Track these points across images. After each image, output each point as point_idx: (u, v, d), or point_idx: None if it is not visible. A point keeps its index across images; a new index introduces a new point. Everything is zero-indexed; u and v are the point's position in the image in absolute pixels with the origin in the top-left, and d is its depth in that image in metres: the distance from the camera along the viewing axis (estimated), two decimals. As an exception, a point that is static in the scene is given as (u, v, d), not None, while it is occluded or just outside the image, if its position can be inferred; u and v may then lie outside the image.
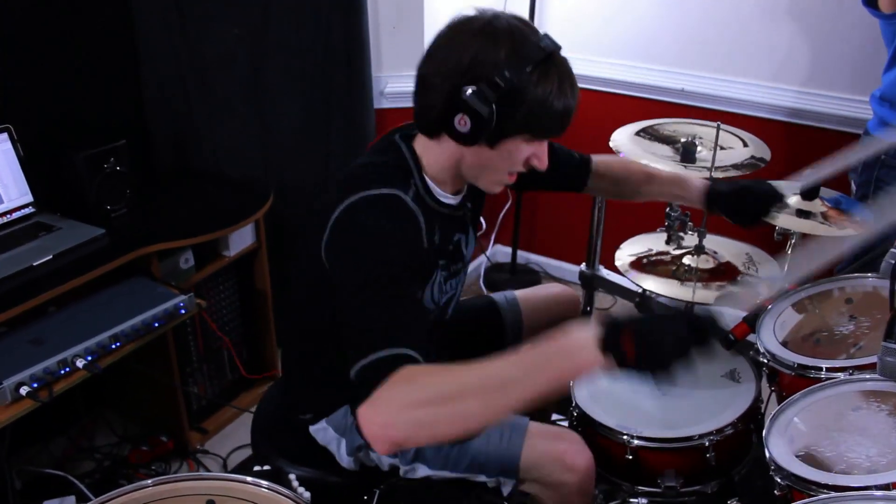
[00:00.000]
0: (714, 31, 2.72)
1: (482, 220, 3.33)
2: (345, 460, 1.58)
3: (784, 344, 1.61)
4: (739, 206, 1.65)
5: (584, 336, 1.05)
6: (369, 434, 1.08)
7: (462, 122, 1.25)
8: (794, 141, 2.65)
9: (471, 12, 1.30)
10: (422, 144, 1.40)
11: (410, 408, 1.06)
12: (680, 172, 1.81)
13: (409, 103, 1.37)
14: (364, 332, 1.17)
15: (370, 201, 1.29)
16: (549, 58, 1.25)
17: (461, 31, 1.27)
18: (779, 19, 2.58)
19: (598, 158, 1.75)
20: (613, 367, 1.04)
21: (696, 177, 1.71)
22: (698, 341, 1.07)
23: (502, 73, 1.22)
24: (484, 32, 1.25)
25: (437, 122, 1.31)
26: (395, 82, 2.76)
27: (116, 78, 2.39)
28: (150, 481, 1.29)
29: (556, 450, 1.49)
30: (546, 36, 1.27)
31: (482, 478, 1.53)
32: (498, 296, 1.87)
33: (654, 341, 1.04)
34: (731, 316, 1.35)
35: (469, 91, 1.23)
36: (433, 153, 1.38)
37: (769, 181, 1.67)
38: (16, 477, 2.17)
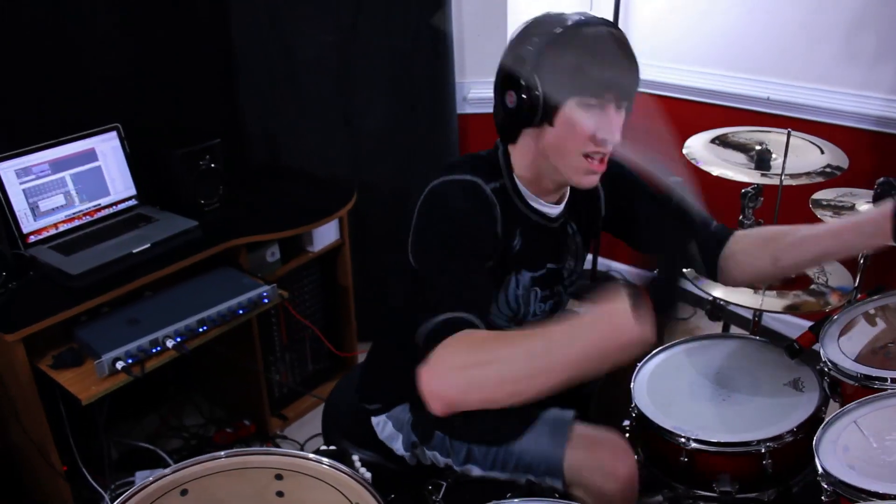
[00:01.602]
0: (798, 39, 2.67)
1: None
2: (402, 454, 1.65)
3: (855, 357, 1.58)
4: None
5: (619, 303, 1.04)
6: (426, 392, 1.14)
7: (511, 99, 1.34)
8: (880, 151, 2.57)
9: None
10: (513, 149, 1.46)
11: (463, 369, 1.12)
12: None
13: (492, 109, 1.46)
14: (430, 297, 1.25)
15: (450, 184, 1.38)
16: (576, 25, 1.31)
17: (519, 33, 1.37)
18: (865, 25, 2.51)
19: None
20: (645, 330, 1.03)
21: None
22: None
23: (532, 41, 1.30)
24: (520, 30, 1.35)
25: (503, 119, 1.40)
26: (478, 88, 2.83)
27: (214, 81, 2.56)
28: (223, 453, 1.39)
29: (597, 456, 1.50)
30: (578, 13, 1.34)
31: (530, 478, 1.56)
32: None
33: (666, 300, 1.07)
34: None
35: (512, 65, 1.33)
36: (518, 154, 1.44)
37: None
38: (113, 448, 2.35)
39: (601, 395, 2.01)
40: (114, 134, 2.27)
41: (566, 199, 1.52)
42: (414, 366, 1.50)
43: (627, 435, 1.68)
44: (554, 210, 1.50)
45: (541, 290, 1.54)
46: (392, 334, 1.65)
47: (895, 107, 2.49)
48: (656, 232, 1.49)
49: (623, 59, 1.34)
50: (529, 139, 1.40)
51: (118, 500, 1.22)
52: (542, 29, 1.32)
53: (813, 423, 1.58)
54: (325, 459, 1.37)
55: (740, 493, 1.56)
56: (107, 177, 2.26)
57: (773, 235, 1.52)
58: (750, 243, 1.54)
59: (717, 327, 2.40)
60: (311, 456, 1.38)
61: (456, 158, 1.49)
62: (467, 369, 1.12)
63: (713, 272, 1.57)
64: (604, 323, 1.06)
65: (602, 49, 1.31)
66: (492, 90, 1.43)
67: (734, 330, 2.26)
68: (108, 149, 2.26)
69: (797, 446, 1.55)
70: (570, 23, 1.32)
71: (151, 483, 1.29)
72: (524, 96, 1.32)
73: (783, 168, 1.74)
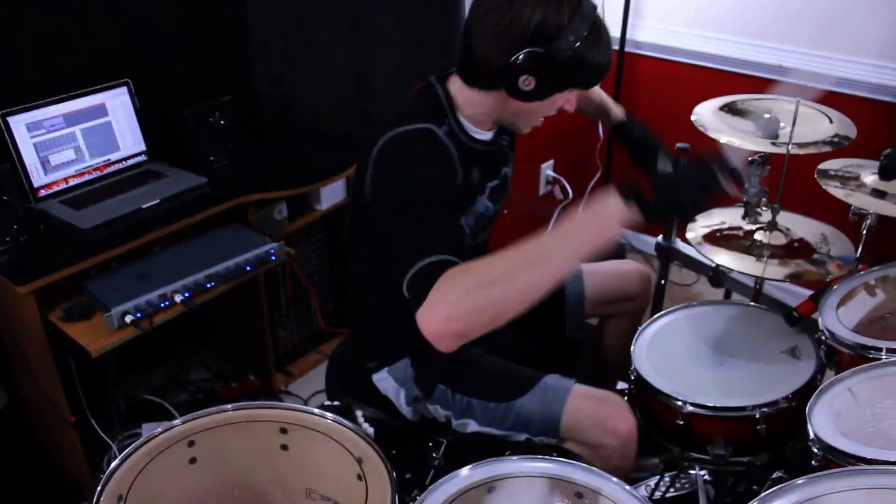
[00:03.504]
0: (812, 6, 2.64)
1: (569, 189, 3.37)
2: (404, 409, 1.68)
3: (853, 326, 1.60)
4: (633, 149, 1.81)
5: (609, 198, 1.17)
6: (433, 333, 1.16)
7: (527, 83, 1.34)
8: (892, 122, 2.56)
9: None
10: (458, 86, 1.47)
11: (466, 296, 1.14)
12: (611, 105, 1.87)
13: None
14: (410, 245, 1.26)
15: (405, 135, 1.40)
16: (597, 20, 1.34)
17: None
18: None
19: None
20: (638, 216, 1.16)
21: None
22: (712, 190, 1.20)
23: (567, 39, 1.30)
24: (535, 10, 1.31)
25: (494, 79, 1.38)
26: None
27: (226, 38, 2.55)
28: (230, 406, 1.42)
29: (598, 413, 1.54)
30: None
31: (525, 436, 1.59)
32: None
33: (672, 192, 1.20)
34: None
35: (540, 53, 1.31)
36: (472, 98, 1.47)
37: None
38: (121, 400, 2.40)
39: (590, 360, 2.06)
40: (124, 89, 2.27)
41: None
42: (406, 320, 1.53)
43: (626, 398, 1.71)
44: (490, 134, 1.56)
45: (492, 205, 1.63)
46: (374, 292, 1.68)
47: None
48: None
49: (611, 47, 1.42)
50: (500, 97, 1.42)
51: (128, 450, 1.25)
52: (579, 17, 1.31)
53: (808, 391, 1.60)
54: (329, 414, 1.39)
55: (734, 456, 1.60)
56: (117, 132, 2.27)
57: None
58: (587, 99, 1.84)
59: (719, 294, 2.42)
60: (316, 411, 1.41)
61: (403, 108, 1.51)
62: (471, 294, 1.14)
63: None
64: (594, 218, 1.18)
65: (609, 43, 1.39)
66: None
67: (736, 297, 2.28)
68: (118, 104, 2.27)
69: (791, 413, 1.58)
70: (595, 15, 1.34)
71: (160, 434, 1.32)
72: (541, 83, 1.35)
73: (790, 137, 1.74)
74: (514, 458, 1.32)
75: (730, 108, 2.03)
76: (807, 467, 1.33)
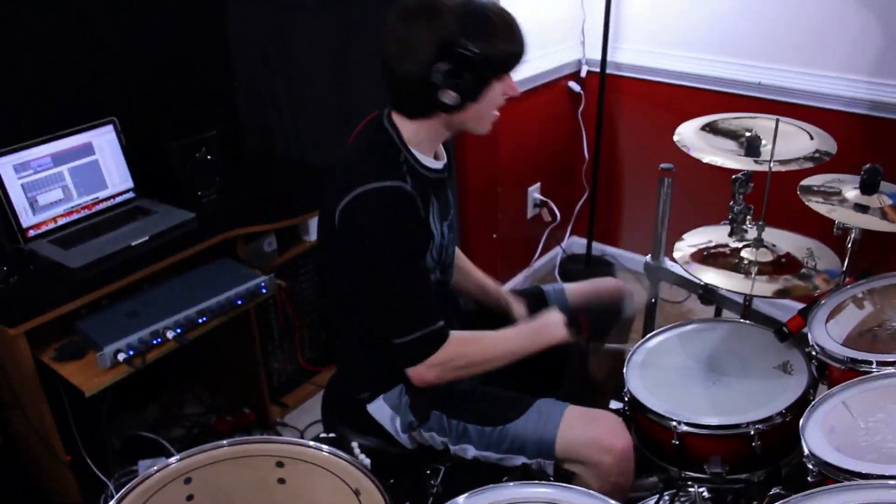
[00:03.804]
0: (789, 23, 2.68)
1: (557, 211, 3.39)
2: (401, 437, 1.68)
3: (842, 340, 1.62)
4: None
5: (556, 317, 1.63)
6: (421, 383, 1.54)
7: (451, 97, 1.43)
8: (868, 135, 2.59)
9: None
10: (400, 120, 1.53)
11: (454, 371, 1.54)
12: (487, 281, 1.93)
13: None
14: (401, 314, 1.50)
15: (375, 194, 1.44)
16: (489, 12, 1.42)
17: (414, 19, 1.41)
18: (854, 8, 2.53)
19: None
20: (572, 337, 1.62)
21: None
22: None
23: (463, 44, 1.39)
24: (434, 15, 1.40)
25: (425, 105, 1.47)
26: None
27: (209, 72, 2.57)
28: (225, 441, 1.42)
29: (592, 431, 1.55)
30: None
31: (522, 459, 1.60)
32: (547, 287, 1.95)
33: (598, 325, 1.72)
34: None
35: (445, 68, 1.40)
36: (416, 129, 1.53)
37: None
38: (115, 438, 2.39)
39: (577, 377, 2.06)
40: (110, 127, 2.28)
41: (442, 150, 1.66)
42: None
43: (621, 418, 1.72)
44: (441, 164, 1.61)
45: (444, 224, 1.66)
46: (361, 323, 1.68)
47: (882, 89, 2.52)
48: None
49: (517, 26, 1.49)
50: (439, 119, 1.50)
51: (124, 489, 1.25)
52: (469, 20, 1.40)
53: (801, 405, 1.62)
54: (324, 447, 1.40)
55: (731, 474, 1.60)
56: (104, 170, 2.28)
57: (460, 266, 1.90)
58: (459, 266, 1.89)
59: (709, 311, 2.43)
60: (312, 443, 1.41)
61: (363, 155, 1.56)
62: (458, 371, 1.55)
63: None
64: (544, 332, 1.62)
65: (514, 25, 1.47)
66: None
67: (726, 314, 2.29)
68: (104, 142, 2.28)
69: (786, 428, 1.59)
70: (485, 9, 1.43)
71: (156, 472, 1.32)
72: (461, 90, 1.43)
73: (772, 155, 1.77)
74: (511, 484, 1.32)
75: (711, 128, 2.05)
76: (803, 483, 1.34)
